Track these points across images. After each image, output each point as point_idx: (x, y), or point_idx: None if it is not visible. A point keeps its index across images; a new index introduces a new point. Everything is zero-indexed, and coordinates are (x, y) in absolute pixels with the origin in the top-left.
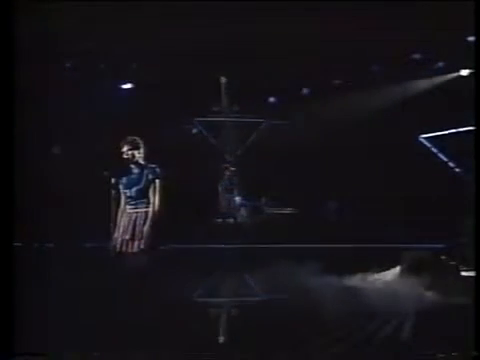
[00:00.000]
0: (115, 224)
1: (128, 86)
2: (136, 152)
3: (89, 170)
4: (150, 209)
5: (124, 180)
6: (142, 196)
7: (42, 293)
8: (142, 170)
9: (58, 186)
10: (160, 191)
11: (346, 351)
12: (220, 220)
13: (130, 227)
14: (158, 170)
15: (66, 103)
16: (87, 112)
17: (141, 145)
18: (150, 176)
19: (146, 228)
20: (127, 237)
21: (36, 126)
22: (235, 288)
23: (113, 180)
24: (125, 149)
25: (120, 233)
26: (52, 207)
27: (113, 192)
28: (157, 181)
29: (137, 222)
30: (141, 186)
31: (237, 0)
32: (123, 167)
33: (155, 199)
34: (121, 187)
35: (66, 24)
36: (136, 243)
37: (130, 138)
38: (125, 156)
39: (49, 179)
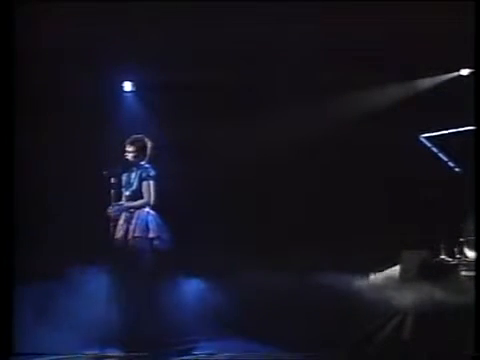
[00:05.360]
0: (115, 223)
1: (129, 86)
2: (140, 152)
3: (90, 169)
4: (142, 209)
5: (124, 179)
6: (137, 197)
7: (42, 293)
8: (137, 170)
9: (59, 185)
10: (154, 193)
11: (343, 352)
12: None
13: (123, 227)
14: (152, 171)
15: (66, 103)
16: (88, 112)
17: (148, 145)
18: (143, 176)
19: (133, 228)
20: (120, 236)
21: (36, 126)
22: None
23: (113, 180)
24: (129, 148)
25: (116, 232)
26: (52, 206)
27: (113, 191)
28: (151, 182)
29: (130, 222)
30: (134, 187)
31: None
32: (122, 166)
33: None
34: (122, 186)
35: (66, 24)
36: (126, 242)
37: (136, 137)
38: (127, 155)
39: (49, 179)
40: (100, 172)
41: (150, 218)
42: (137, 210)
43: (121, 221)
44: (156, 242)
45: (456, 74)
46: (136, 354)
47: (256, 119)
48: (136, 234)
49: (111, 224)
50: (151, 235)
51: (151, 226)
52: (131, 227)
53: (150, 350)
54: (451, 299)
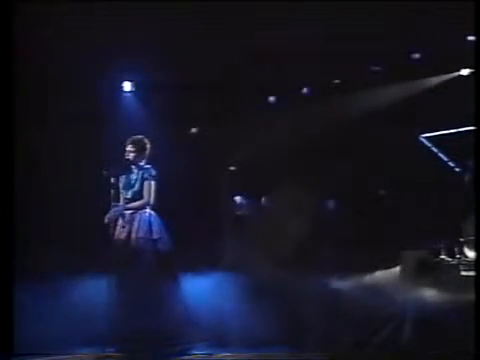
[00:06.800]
0: (115, 224)
1: (129, 86)
2: (140, 152)
3: (90, 169)
4: (143, 210)
5: (123, 180)
6: (137, 197)
7: (42, 293)
8: (138, 171)
9: (58, 186)
10: (154, 193)
11: (344, 352)
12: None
13: (126, 228)
14: (153, 171)
15: (66, 103)
16: (88, 112)
17: (147, 145)
18: (145, 176)
19: (136, 229)
20: (123, 237)
21: (36, 126)
22: None
23: (113, 180)
24: (129, 148)
25: (117, 233)
26: (52, 207)
27: (113, 191)
28: (152, 182)
29: (132, 223)
30: (136, 188)
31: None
32: (122, 167)
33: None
34: (120, 187)
35: (66, 25)
36: (130, 244)
37: (136, 137)
38: (127, 155)
39: (49, 179)
40: (100, 172)
41: (152, 219)
42: (138, 211)
43: (122, 222)
44: (159, 243)
45: (456, 74)
46: (137, 354)
47: (257, 119)
48: (139, 235)
49: (111, 225)
50: (154, 236)
51: (154, 227)
52: (134, 228)
53: (152, 350)
54: (451, 299)
